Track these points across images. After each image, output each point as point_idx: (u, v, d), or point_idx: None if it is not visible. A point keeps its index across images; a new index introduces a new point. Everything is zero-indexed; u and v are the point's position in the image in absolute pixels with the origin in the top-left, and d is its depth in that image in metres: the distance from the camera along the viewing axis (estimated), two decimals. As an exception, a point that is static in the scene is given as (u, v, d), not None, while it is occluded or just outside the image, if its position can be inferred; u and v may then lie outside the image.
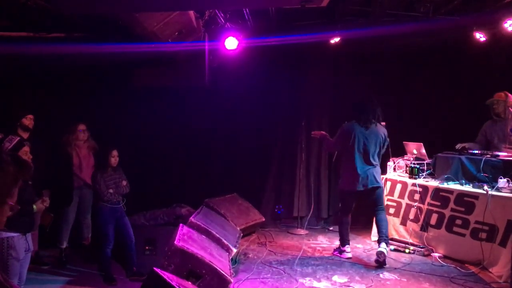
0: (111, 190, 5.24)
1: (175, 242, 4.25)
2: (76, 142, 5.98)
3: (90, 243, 6.16)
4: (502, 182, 5.33)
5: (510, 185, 5.22)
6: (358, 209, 7.62)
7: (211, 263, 4.25)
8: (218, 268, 4.26)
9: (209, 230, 5.32)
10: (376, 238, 6.64)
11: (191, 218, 5.39)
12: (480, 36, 6.53)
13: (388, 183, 6.67)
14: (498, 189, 5.33)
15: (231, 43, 6.16)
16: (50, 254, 5.94)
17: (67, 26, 5.80)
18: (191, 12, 5.09)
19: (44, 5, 4.87)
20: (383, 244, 5.72)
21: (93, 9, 4.10)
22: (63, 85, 6.84)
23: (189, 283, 4.04)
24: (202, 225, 5.32)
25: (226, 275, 4.30)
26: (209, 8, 5.26)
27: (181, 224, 4.93)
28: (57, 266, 5.71)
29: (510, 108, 5.97)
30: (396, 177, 6.63)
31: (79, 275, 5.47)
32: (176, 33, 4.98)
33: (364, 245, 6.53)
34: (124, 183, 5.41)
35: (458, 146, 6.34)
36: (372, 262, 5.77)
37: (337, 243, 6.64)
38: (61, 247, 5.88)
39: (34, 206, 3.87)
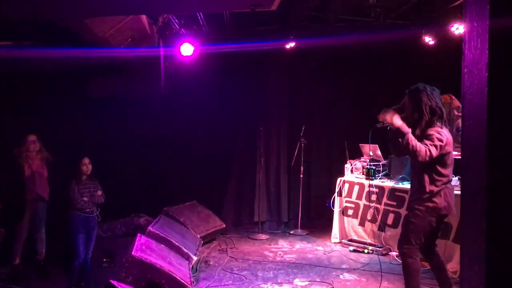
0: (85, 198, 5.10)
1: (133, 252, 4.16)
2: (27, 153, 5.76)
3: (44, 258, 5.94)
4: (453, 180, 5.49)
5: (461, 183, 5.38)
6: (317, 211, 7.78)
7: (170, 272, 4.19)
8: (177, 277, 4.20)
9: (168, 239, 5.24)
10: (337, 240, 6.75)
11: (150, 228, 5.30)
12: (429, 40, 6.75)
13: (346, 185, 6.77)
14: (450, 187, 5.50)
15: (186, 49, 6.12)
16: (2, 271, 5.68)
17: (15, 35, 5.61)
18: (144, 18, 5.04)
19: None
20: None
21: (40, 15, 3.98)
22: (15, 94, 6.60)
23: (148, 294, 3.96)
24: (161, 234, 5.24)
25: (186, 283, 4.24)
26: (160, 12, 5.21)
27: (139, 234, 4.84)
28: (10, 283, 5.47)
29: (454, 110, 6.19)
30: (353, 179, 6.74)
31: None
32: (129, 39, 4.91)
33: (325, 247, 6.59)
34: (99, 192, 5.28)
35: None
36: (332, 263, 5.83)
37: (298, 246, 6.70)
38: (13, 263, 5.65)
39: None
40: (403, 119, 3.96)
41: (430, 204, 3.92)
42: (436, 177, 3.93)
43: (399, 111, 4.03)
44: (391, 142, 4.04)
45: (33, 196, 5.75)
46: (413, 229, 3.98)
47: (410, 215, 4.06)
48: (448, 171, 4.00)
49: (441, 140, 3.83)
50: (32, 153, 5.79)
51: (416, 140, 3.79)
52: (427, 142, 3.79)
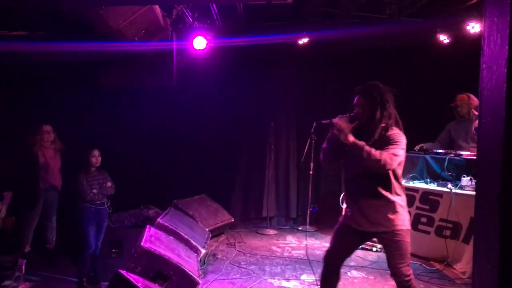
0: (94, 190, 5.12)
1: (142, 243, 4.18)
2: (41, 143, 5.82)
3: (54, 247, 5.99)
4: (465, 180, 5.46)
5: (473, 183, 5.35)
6: (326, 208, 7.76)
7: (179, 264, 4.20)
8: (186, 269, 4.21)
9: (177, 231, 5.26)
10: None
11: (159, 219, 5.32)
12: (443, 38, 6.69)
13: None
14: (461, 187, 5.46)
15: (199, 42, 6.11)
16: (11, 259, 5.73)
17: (30, 25, 5.65)
18: (158, 10, 5.04)
19: (4, 2, 4.72)
20: None
21: (55, 4, 3.99)
22: (29, 84, 6.66)
23: (156, 285, 3.98)
24: (170, 226, 5.26)
25: (194, 276, 4.25)
26: (175, 3, 5.19)
27: (148, 226, 4.86)
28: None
29: (473, 110, 6.12)
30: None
31: (43, 280, 5.30)
32: (143, 32, 4.91)
33: (333, 244, 6.56)
34: (109, 184, 5.30)
35: (417, 147, 6.44)
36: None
37: (306, 242, 6.69)
38: (23, 251, 5.70)
39: None
40: (355, 120, 3.43)
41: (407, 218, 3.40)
42: (401, 184, 3.41)
43: (352, 120, 3.45)
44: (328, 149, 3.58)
45: (46, 186, 5.81)
46: (405, 254, 3.43)
47: (395, 246, 3.38)
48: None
49: (403, 143, 3.29)
50: (46, 143, 5.84)
51: (376, 150, 3.20)
52: (391, 147, 3.22)
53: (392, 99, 3.43)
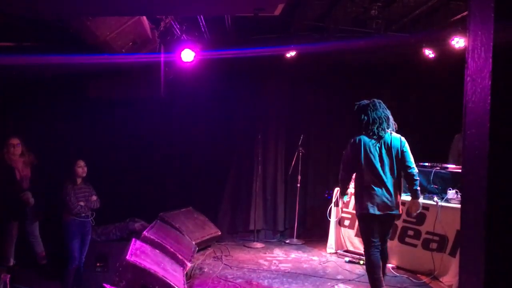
0: (82, 203, 5.06)
1: (127, 257, 4.13)
2: (9, 156, 5.62)
3: (45, 259, 5.81)
4: (451, 193, 5.50)
5: (459, 196, 5.38)
6: (313, 221, 7.75)
7: (165, 278, 4.15)
8: (171, 283, 4.16)
9: (163, 244, 5.21)
10: (333, 250, 6.71)
11: (145, 232, 5.27)
12: (429, 53, 6.78)
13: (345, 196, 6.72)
14: (447, 200, 5.49)
15: (187, 55, 6.11)
16: (-6, 273, 5.61)
17: (16, 35, 5.60)
18: (146, 23, 5.03)
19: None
20: None
21: (36, 13, 3.95)
22: (14, 95, 6.59)
23: (141, 299, 3.92)
24: (156, 240, 5.20)
25: (179, 290, 4.20)
26: (161, 14, 5.18)
27: (133, 239, 4.80)
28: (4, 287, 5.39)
29: None
30: (351, 189, 6.69)
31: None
32: (130, 43, 4.89)
33: (320, 257, 6.55)
34: (94, 198, 5.24)
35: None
36: (328, 274, 5.79)
37: (293, 256, 6.66)
38: (8, 265, 5.55)
39: None
40: None
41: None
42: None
43: None
44: None
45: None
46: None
47: None
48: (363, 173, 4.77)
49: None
50: (14, 156, 5.66)
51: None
52: None
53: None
